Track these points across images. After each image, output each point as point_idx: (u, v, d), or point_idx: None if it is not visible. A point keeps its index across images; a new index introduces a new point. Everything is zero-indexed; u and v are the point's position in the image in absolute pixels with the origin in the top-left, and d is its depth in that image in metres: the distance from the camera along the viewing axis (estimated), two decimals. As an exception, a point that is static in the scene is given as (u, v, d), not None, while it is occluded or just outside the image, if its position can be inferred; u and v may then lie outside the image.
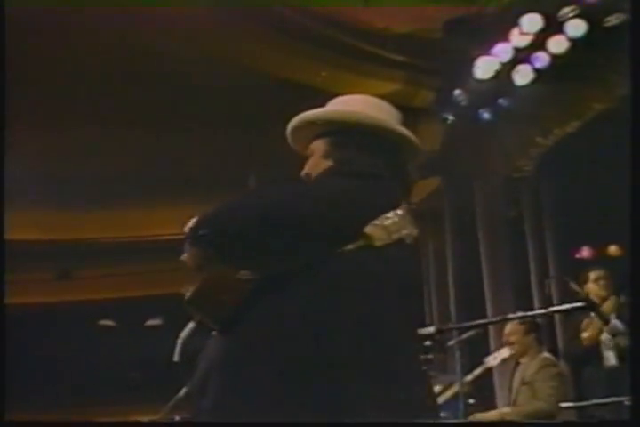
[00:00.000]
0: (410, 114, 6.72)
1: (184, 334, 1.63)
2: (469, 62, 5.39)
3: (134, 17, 4.91)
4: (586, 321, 4.14)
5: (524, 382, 3.82)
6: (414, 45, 5.59)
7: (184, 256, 1.56)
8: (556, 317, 5.13)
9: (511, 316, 3.44)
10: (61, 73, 5.36)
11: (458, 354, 3.57)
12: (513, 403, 3.85)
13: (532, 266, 5.77)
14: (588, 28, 4.81)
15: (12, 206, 6.63)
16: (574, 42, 4.87)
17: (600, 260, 5.25)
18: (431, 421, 1.55)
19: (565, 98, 5.29)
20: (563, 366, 4.07)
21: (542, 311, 3.73)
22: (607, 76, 5.00)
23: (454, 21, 5.37)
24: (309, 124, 1.70)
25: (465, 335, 3.70)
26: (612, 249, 5.34)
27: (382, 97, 6.17)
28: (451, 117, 5.86)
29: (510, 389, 3.96)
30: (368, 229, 1.51)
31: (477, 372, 3.93)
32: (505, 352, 3.91)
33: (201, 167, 6.39)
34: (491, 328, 4.96)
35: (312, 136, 1.71)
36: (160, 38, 5.15)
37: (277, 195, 1.54)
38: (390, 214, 1.55)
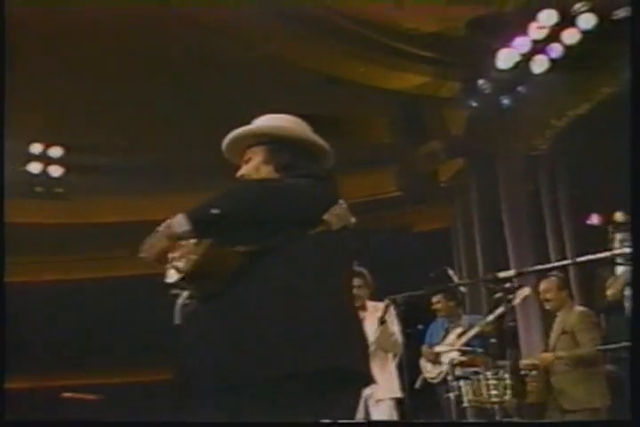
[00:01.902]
0: (437, 103, 6.86)
1: (181, 300, 1.72)
2: (491, 54, 5.43)
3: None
4: (610, 280, 4.16)
5: (564, 332, 3.80)
6: (441, 42, 5.63)
7: (181, 231, 1.64)
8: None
9: (579, 260, 3.38)
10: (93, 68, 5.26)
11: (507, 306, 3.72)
12: (552, 350, 3.84)
13: (548, 231, 5.79)
14: (597, 20, 4.82)
15: (97, 195, 6.96)
16: (585, 33, 4.90)
17: (607, 225, 5.31)
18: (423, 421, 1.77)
19: (577, 84, 5.30)
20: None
21: (606, 254, 3.56)
22: (614, 64, 4.96)
23: (476, 19, 5.40)
24: (247, 137, 1.84)
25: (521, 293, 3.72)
26: (618, 215, 5.39)
27: (413, 89, 6.30)
28: (475, 104, 5.90)
29: (548, 338, 3.95)
30: (326, 217, 1.71)
31: (499, 311, 3.91)
32: (526, 291, 3.88)
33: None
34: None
35: (244, 147, 1.84)
36: (206, 37, 5.13)
37: (265, 188, 1.72)
38: (337, 206, 1.75)
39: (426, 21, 5.50)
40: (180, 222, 1.66)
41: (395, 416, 3.82)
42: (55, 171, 6.58)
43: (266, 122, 1.88)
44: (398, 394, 3.82)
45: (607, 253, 3.59)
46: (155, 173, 6.68)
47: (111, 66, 5.30)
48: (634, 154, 2.08)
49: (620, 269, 4.20)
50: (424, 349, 4.41)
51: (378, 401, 3.68)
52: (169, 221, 1.69)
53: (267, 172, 1.80)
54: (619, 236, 4.19)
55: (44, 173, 6.57)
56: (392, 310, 3.90)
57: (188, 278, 1.66)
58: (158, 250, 1.70)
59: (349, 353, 1.67)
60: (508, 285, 2.81)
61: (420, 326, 4.14)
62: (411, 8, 5.21)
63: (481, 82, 5.75)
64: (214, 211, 1.64)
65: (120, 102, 5.68)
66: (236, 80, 5.39)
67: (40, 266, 8.22)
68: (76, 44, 5.00)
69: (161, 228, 1.70)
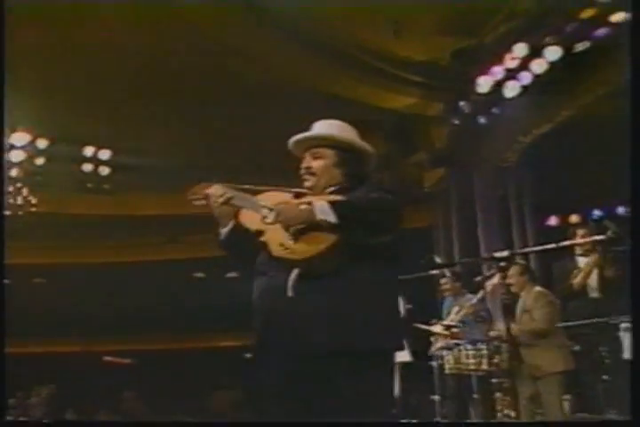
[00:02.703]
0: (424, 121, 6.85)
1: (293, 275, 1.66)
2: (471, 80, 5.45)
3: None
4: (575, 271, 4.15)
5: (524, 311, 3.73)
6: (429, 69, 5.64)
7: (320, 218, 1.61)
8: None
9: (561, 244, 3.25)
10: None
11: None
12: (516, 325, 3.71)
13: (514, 230, 5.84)
14: (562, 53, 4.80)
15: (137, 191, 7.01)
16: (551, 64, 4.89)
17: (563, 226, 5.35)
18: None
19: (542, 107, 5.26)
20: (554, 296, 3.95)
21: (586, 240, 3.70)
22: (574, 90, 4.97)
23: (459, 50, 5.43)
24: (315, 140, 1.83)
25: (490, 272, 3.76)
26: (573, 218, 5.42)
27: (404, 108, 6.28)
28: (456, 122, 5.90)
29: (514, 317, 3.80)
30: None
31: (480, 295, 3.95)
32: (495, 279, 3.80)
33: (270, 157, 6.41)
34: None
35: (310, 146, 1.83)
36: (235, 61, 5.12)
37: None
38: None
39: (417, 51, 5.51)
40: (326, 210, 1.62)
41: (397, 379, 3.77)
42: (103, 170, 6.66)
43: (336, 132, 1.85)
44: (407, 358, 3.84)
45: (587, 240, 3.69)
46: (187, 172, 6.71)
47: (147, 85, 5.31)
48: (634, 153, 1.98)
49: (581, 261, 4.23)
50: (431, 323, 4.37)
51: None
52: (316, 204, 1.65)
53: (337, 174, 1.81)
54: (580, 231, 4.21)
55: (95, 171, 6.65)
56: None
57: (310, 261, 1.64)
58: (291, 219, 1.65)
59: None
60: (502, 263, 2.77)
61: (409, 306, 4.11)
62: (405, 40, 5.21)
63: (462, 103, 5.76)
64: (352, 212, 1.64)
65: (157, 115, 5.73)
66: (252, 95, 5.38)
67: (89, 250, 8.30)
68: (121, 65, 5.03)
69: (306, 206, 1.65)
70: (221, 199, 1.79)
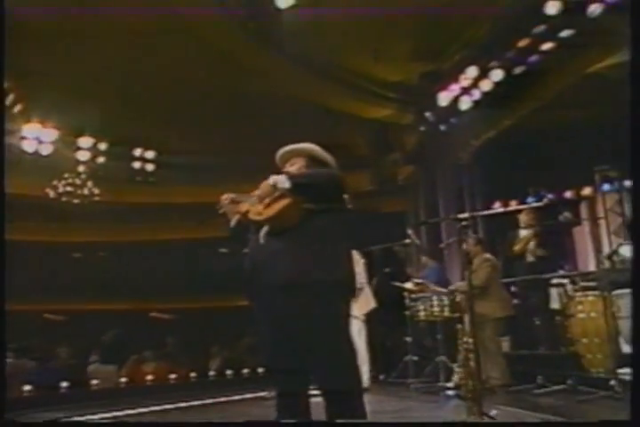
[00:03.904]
0: (398, 128, 6.90)
1: (263, 231, 1.86)
2: (434, 96, 5.52)
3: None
4: (516, 240, 4.29)
5: (473, 271, 3.60)
6: (402, 87, 5.68)
7: (281, 186, 1.78)
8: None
9: (507, 209, 3.20)
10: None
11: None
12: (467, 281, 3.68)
13: (468, 211, 5.69)
14: (504, 74, 4.88)
15: (177, 184, 7.07)
16: (495, 84, 4.96)
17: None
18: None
19: (488, 117, 5.33)
20: (496, 260, 3.96)
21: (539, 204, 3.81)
22: (513, 104, 5.04)
23: (426, 72, 5.51)
24: (293, 151, 2.02)
25: (451, 240, 3.81)
26: (513, 203, 5.51)
27: (382, 118, 6.32)
28: (423, 129, 5.96)
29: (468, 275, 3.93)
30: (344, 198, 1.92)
31: (440, 264, 4.06)
32: (451, 239, 3.87)
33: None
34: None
35: (289, 156, 2.02)
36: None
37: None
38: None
39: (392, 73, 5.55)
40: (283, 180, 1.78)
41: (363, 330, 3.85)
42: (149, 167, 6.71)
43: (305, 145, 2.05)
44: (373, 305, 3.90)
45: (529, 206, 3.76)
46: (217, 169, 6.72)
47: (182, 101, 5.29)
48: (634, 152, 1.84)
49: (522, 232, 4.36)
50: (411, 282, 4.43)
51: (354, 317, 3.65)
52: (275, 177, 1.81)
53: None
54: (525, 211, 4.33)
55: (142, 168, 6.70)
56: (359, 258, 3.92)
57: (272, 219, 1.80)
58: (263, 193, 1.82)
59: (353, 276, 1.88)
60: (464, 223, 2.75)
61: (387, 269, 4.17)
62: (383, 64, 5.26)
63: (427, 114, 5.81)
64: (299, 180, 1.79)
65: (191, 124, 5.73)
66: (263, 106, 5.37)
67: (138, 230, 8.39)
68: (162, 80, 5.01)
69: (268, 181, 1.81)
70: (227, 200, 2.04)
